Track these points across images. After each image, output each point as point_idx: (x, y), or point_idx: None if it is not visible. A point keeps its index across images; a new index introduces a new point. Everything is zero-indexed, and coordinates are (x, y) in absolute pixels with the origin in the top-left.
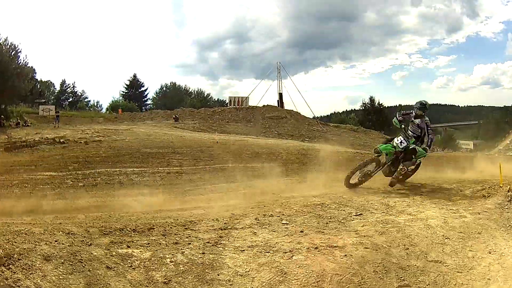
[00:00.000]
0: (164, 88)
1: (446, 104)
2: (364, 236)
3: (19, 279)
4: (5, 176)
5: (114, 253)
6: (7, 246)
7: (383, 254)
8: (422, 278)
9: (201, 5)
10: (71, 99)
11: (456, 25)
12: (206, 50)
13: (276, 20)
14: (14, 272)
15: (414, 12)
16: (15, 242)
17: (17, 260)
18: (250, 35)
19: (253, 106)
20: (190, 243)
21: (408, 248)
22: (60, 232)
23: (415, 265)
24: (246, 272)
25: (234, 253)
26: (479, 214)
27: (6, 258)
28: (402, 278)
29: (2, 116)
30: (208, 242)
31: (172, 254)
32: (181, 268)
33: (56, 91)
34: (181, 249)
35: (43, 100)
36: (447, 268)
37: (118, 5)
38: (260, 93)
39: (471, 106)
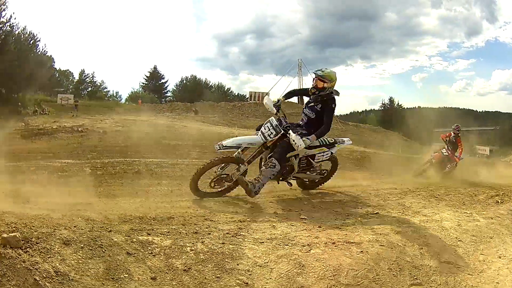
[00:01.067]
0: (184, 81)
1: (464, 108)
2: (380, 234)
3: (37, 262)
4: (22, 162)
5: (134, 239)
6: (24, 230)
7: (398, 252)
8: (434, 278)
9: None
10: (90, 89)
11: (475, 28)
12: (226, 44)
13: (296, 17)
14: (32, 255)
15: (434, 14)
16: (33, 226)
17: (35, 244)
18: (271, 31)
19: None
20: (210, 233)
21: (422, 248)
22: (79, 218)
23: (428, 264)
24: (265, 263)
25: (254, 245)
26: (491, 219)
27: (23, 242)
28: (415, 277)
29: (19, 103)
30: (227, 233)
31: (192, 243)
32: (201, 257)
33: (75, 81)
34: (201, 238)
35: (62, 89)
36: (459, 269)
37: None
38: (280, 89)
39: (488, 111)
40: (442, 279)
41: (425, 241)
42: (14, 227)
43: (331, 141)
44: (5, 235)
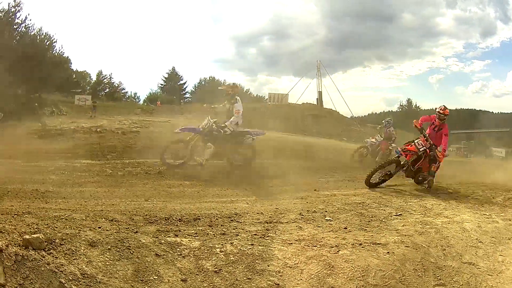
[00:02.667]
0: (203, 82)
1: (480, 110)
2: (405, 235)
3: (62, 264)
4: (40, 163)
5: (162, 241)
6: (47, 231)
7: (422, 253)
8: (457, 279)
9: (238, 1)
10: (107, 90)
11: (490, 29)
12: (243, 45)
13: (313, 18)
14: (56, 257)
15: (449, 15)
16: (56, 227)
17: (59, 245)
18: (288, 32)
19: (292, 104)
20: (237, 235)
21: (445, 249)
22: (103, 219)
23: (451, 265)
24: (295, 264)
25: (283, 246)
26: (510, 220)
27: (47, 243)
28: (439, 277)
29: (36, 104)
30: (255, 234)
31: (222, 244)
32: (231, 258)
33: (92, 82)
34: (229, 239)
35: (79, 90)
36: (479, 270)
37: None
38: (299, 90)
39: (504, 113)
40: (464, 279)
41: (447, 242)
42: (36, 228)
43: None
44: (27, 237)
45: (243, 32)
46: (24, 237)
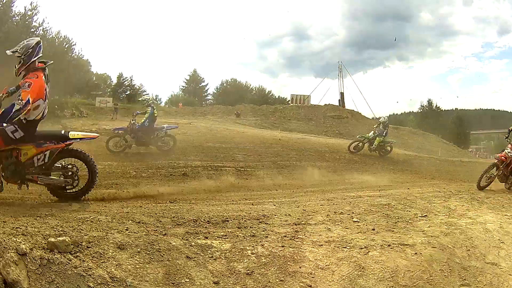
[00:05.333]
0: (224, 84)
1: (499, 110)
2: (431, 236)
3: (90, 268)
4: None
5: (193, 243)
6: (73, 234)
7: (448, 254)
8: (480, 279)
9: (260, 2)
10: (128, 92)
11: (506, 27)
12: (264, 47)
13: (333, 18)
14: (84, 261)
15: (466, 13)
16: (82, 230)
17: (86, 248)
18: (308, 33)
19: (314, 105)
20: (267, 236)
21: (469, 250)
22: (130, 221)
23: (475, 266)
24: (326, 265)
25: (313, 247)
26: None
27: (73, 246)
28: (464, 278)
29: (56, 106)
30: (285, 236)
31: (252, 246)
32: (263, 260)
33: (112, 84)
34: (260, 241)
35: (100, 92)
36: (501, 270)
37: (176, 2)
38: (320, 91)
39: None
40: (487, 279)
41: (471, 243)
42: (61, 230)
43: None
44: (52, 239)
45: (264, 33)
46: (49, 240)
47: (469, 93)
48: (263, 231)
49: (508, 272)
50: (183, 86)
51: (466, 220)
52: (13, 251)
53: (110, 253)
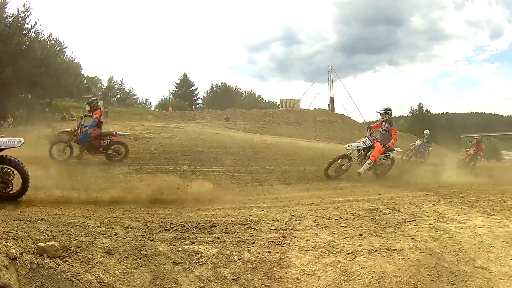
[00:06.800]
0: (214, 88)
1: (490, 113)
2: (419, 241)
3: (78, 273)
4: (51, 168)
5: (180, 248)
6: (62, 238)
7: (436, 258)
8: (470, 283)
9: (249, 7)
10: (119, 96)
11: (498, 31)
12: (254, 51)
13: (323, 23)
14: (72, 265)
15: (458, 17)
16: (71, 235)
17: (75, 253)
18: (298, 37)
19: (304, 109)
20: (254, 242)
21: (458, 254)
22: (118, 226)
23: (464, 270)
24: (312, 271)
25: (300, 253)
26: None
27: (62, 251)
28: (452, 282)
29: (46, 109)
30: (272, 242)
31: (239, 252)
32: (249, 266)
33: (103, 87)
34: (246, 247)
35: (90, 96)
36: (491, 274)
37: (166, 6)
38: (310, 96)
39: None
40: (476, 284)
41: (460, 247)
42: (50, 235)
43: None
44: (41, 244)
45: (254, 38)
46: (38, 244)
47: (460, 97)
48: (250, 236)
49: (498, 276)
50: (173, 90)
51: (455, 224)
52: (3, 255)
53: (98, 258)
